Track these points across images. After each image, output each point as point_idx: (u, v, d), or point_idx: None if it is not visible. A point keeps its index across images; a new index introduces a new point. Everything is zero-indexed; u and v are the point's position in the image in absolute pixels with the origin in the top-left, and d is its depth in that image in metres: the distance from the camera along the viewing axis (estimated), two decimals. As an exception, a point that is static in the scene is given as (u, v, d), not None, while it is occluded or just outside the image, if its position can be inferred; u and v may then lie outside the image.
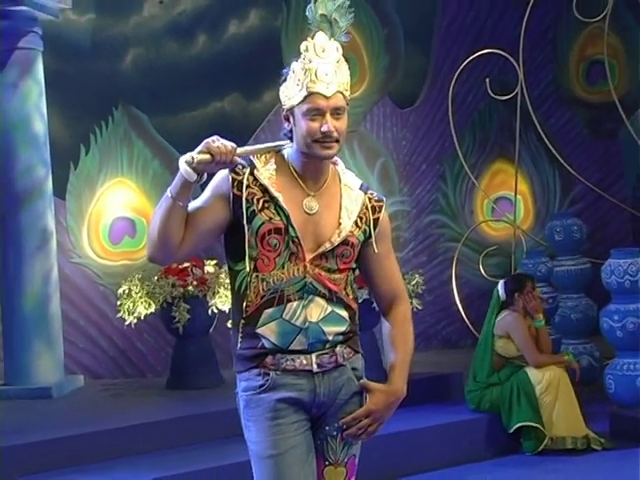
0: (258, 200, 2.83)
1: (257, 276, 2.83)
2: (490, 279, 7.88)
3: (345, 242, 2.88)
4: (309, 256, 2.84)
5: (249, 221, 2.82)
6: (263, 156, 2.89)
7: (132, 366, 8.65)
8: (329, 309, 2.86)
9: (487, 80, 8.25)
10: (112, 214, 8.71)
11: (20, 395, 7.28)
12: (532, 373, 6.40)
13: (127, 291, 7.33)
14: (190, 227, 2.80)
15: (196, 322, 7.31)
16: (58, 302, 7.76)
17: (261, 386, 2.84)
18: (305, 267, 2.84)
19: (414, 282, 7.55)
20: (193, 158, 2.73)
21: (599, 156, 10.26)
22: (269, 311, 2.83)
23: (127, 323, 7.36)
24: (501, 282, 6.75)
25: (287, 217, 2.82)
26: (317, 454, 2.90)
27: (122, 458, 5.73)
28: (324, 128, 2.79)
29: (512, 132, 8.58)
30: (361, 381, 2.92)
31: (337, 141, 2.82)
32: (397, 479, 5.91)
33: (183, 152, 2.77)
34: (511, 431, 6.36)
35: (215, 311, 7.28)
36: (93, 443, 5.85)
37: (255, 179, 2.84)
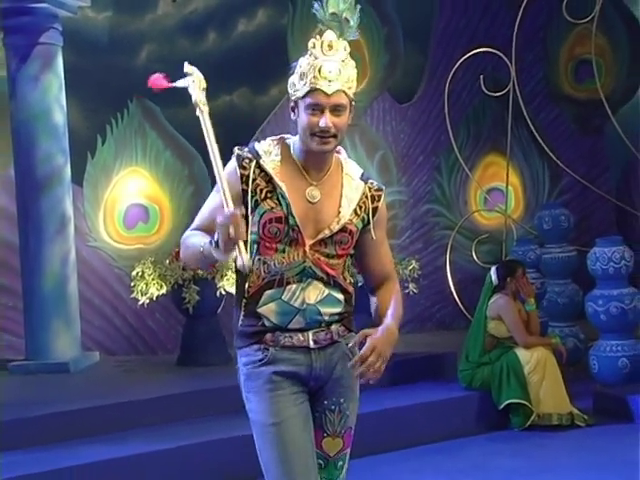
0: (262, 190, 2.82)
1: (259, 259, 2.83)
2: (482, 265, 7.89)
3: (344, 229, 2.86)
4: (309, 242, 2.83)
5: (252, 210, 2.82)
6: (268, 146, 2.88)
7: (144, 344, 8.68)
8: (326, 292, 2.86)
9: (481, 77, 8.26)
10: (127, 201, 8.73)
11: (40, 370, 7.33)
12: (521, 353, 6.41)
13: (140, 273, 7.34)
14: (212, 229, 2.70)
15: (205, 303, 7.33)
16: (75, 283, 7.78)
17: (260, 360, 2.84)
18: (305, 252, 2.83)
19: (410, 267, 7.55)
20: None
21: (586, 150, 10.25)
22: (269, 292, 2.83)
23: (140, 303, 7.38)
24: (493, 268, 6.76)
25: (288, 206, 2.81)
26: (316, 426, 2.90)
27: (135, 429, 5.76)
28: (321, 123, 2.77)
29: (504, 127, 8.57)
30: (361, 332, 2.83)
31: (335, 137, 2.80)
32: (393, 452, 5.92)
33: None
34: (501, 408, 6.38)
35: (223, 293, 7.28)
36: (107, 415, 5.88)
37: (261, 170, 2.84)
